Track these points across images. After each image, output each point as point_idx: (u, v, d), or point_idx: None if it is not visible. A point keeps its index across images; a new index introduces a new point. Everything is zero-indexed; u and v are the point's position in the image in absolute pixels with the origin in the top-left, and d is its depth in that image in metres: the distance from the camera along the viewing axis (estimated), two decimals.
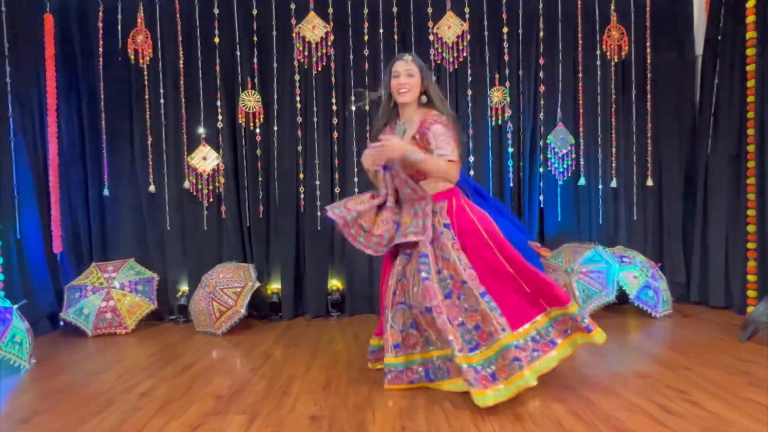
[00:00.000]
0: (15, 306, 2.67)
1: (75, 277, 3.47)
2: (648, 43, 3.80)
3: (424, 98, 2.22)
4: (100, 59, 3.67)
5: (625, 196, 3.84)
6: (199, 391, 2.24)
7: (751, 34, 3.25)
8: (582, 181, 3.79)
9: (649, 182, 3.83)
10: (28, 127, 3.41)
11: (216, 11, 3.70)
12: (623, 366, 2.47)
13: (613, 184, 3.81)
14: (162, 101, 3.70)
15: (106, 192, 3.69)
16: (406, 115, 2.24)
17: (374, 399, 2.09)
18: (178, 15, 3.70)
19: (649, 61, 3.81)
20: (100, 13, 3.67)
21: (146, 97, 3.70)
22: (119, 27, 3.68)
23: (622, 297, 3.40)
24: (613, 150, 3.82)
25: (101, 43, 3.67)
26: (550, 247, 3.69)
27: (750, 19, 3.25)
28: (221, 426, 1.87)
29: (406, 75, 2.16)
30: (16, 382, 2.46)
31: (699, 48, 3.79)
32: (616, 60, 3.79)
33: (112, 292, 3.33)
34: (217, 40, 3.69)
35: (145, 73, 3.69)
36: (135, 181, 3.72)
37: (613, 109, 3.82)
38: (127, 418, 1.96)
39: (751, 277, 3.28)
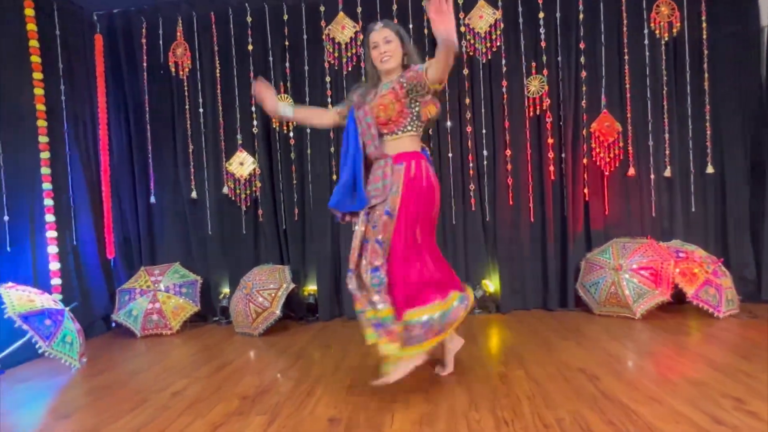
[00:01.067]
0: (67, 308, 2.85)
1: (126, 281, 3.67)
2: (703, 18, 3.47)
3: (406, 60, 2.15)
4: (144, 73, 3.87)
5: (681, 186, 3.53)
6: (227, 391, 2.28)
7: None
8: (631, 171, 3.52)
9: (710, 169, 3.50)
10: (81, 140, 3.65)
11: (249, 19, 3.79)
12: (674, 372, 2.25)
13: (667, 173, 3.51)
14: (201, 110, 3.84)
15: (152, 199, 3.88)
16: (387, 78, 2.16)
17: (396, 402, 2.03)
18: (213, 26, 3.83)
19: (705, 36, 3.47)
20: (144, 30, 3.87)
21: (186, 107, 3.85)
22: (161, 42, 3.87)
23: (679, 296, 3.12)
24: (667, 136, 3.52)
25: (145, 57, 3.87)
26: (596, 244, 3.49)
27: None
28: (241, 426, 1.88)
29: (384, 42, 2.12)
30: (66, 379, 2.62)
31: (765, 18, 3.41)
32: (666, 38, 3.50)
33: (158, 295, 3.48)
34: (250, 47, 3.78)
35: (185, 84, 3.85)
36: (178, 188, 3.88)
37: (665, 92, 3.52)
38: (156, 416, 2.03)
39: None
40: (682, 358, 2.47)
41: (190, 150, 3.85)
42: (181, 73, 3.85)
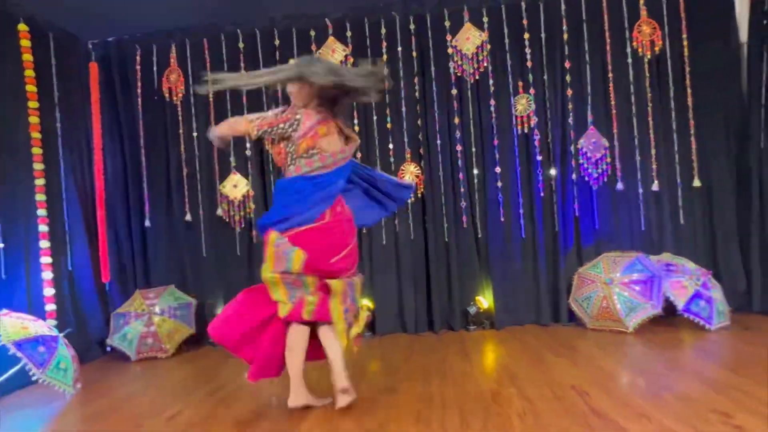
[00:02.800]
0: (61, 334, 2.86)
1: (121, 304, 3.68)
2: (684, 35, 3.56)
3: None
4: (139, 99, 3.94)
5: (669, 199, 3.57)
6: (221, 415, 2.29)
7: None
8: (619, 186, 3.58)
9: (696, 182, 3.55)
10: (76, 166, 3.69)
11: (241, 45, 3.87)
12: (663, 387, 2.27)
13: (655, 187, 3.56)
14: (195, 134, 3.90)
15: (147, 223, 3.92)
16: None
17: (389, 423, 2.04)
18: (206, 52, 3.90)
19: (686, 54, 3.55)
20: (138, 57, 3.95)
21: (180, 131, 3.91)
22: (155, 68, 3.94)
23: (671, 309, 3.15)
24: (653, 151, 3.58)
25: (139, 84, 3.95)
26: (587, 258, 3.53)
27: None
28: None
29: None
30: (61, 405, 2.62)
31: (743, 35, 3.50)
32: (649, 56, 3.58)
33: (153, 318, 3.50)
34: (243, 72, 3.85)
35: (179, 109, 3.91)
36: (172, 212, 3.92)
37: (649, 108, 3.59)
38: None
39: None
40: (673, 372, 2.49)
41: (184, 173, 3.90)
42: (174, 98, 3.92)
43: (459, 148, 3.69)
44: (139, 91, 3.95)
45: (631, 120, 3.59)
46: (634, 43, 3.58)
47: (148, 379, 3.01)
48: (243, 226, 3.83)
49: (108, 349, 3.61)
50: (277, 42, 3.85)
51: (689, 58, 3.55)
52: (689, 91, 3.55)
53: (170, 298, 3.63)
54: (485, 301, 3.64)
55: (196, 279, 3.86)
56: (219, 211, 3.83)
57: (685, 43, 3.56)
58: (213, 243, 3.85)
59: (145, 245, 3.93)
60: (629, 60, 3.59)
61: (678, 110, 3.57)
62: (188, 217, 3.87)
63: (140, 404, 2.54)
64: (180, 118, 3.92)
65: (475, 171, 3.68)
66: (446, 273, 3.65)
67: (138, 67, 3.96)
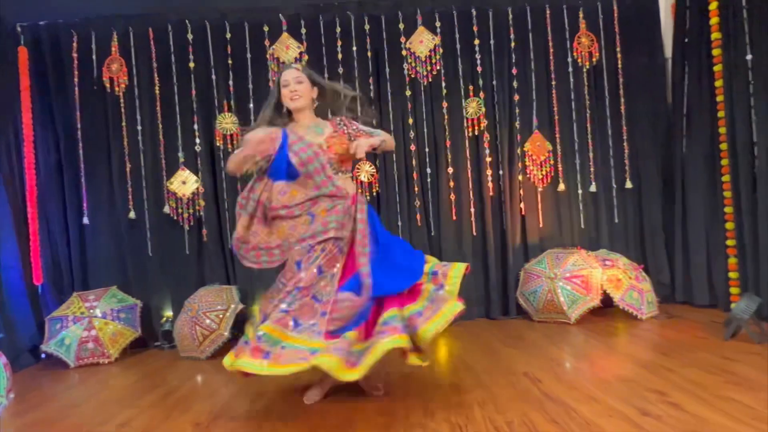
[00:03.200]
0: None
1: (56, 308, 3.44)
2: (618, 49, 3.86)
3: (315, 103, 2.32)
4: (76, 89, 3.69)
5: (605, 200, 3.86)
6: (177, 418, 2.21)
7: (716, 35, 3.31)
8: (561, 187, 3.82)
9: (628, 184, 3.86)
10: (4, 159, 3.40)
11: (190, 36, 3.73)
12: (606, 371, 2.47)
13: (593, 188, 3.84)
14: (139, 128, 3.71)
15: (85, 220, 3.68)
16: (304, 120, 2.28)
17: (354, 417, 2.07)
18: (152, 42, 3.73)
19: (620, 66, 3.86)
20: (75, 44, 3.70)
21: (123, 124, 3.71)
22: (94, 56, 3.71)
23: (607, 300, 3.40)
24: (591, 155, 3.85)
25: (76, 72, 3.70)
26: (533, 255, 3.73)
27: (714, 20, 3.31)
28: None
29: (295, 83, 2.22)
30: None
31: (668, 51, 3.85)
32: (587, 66, 3.85)
33: (94, 321, 3.29)
34: (192, 64, 3.72)
35: (122, 100, 3.71)
36: (114, 209, 3.71)
37: (588, 115, 3.86)
38: None
39: (732, 275, 3.29)
40: (613, 357, 2.71)
41: (128, 168, 3.70)
42: (116, 89, 3.71)
43: (413, 148, 3.78)
44: (75, 80, 3.70)
45: (572, 125, 3.85)
46: (575, 53, 3.84)
47: (92, 386, 2.84)
48: (192, 224, 3.69)
49: (42, 356, 3.35)
50: (228, 35, 3.75)
51: (623, 70, 3.85)
52: (622, 100, 3.86)
53: (112, 300, 3.44)
54: None
55: (141, 280, 3.67)
56: (166, 209, 3.66)
57: (619, 56, 3.86)
58: (159, 242, 3.68)
59: (83, 244, 3.69)
60: (570, 69, 3.85)
61: (612, 117, 3.87)
62: (132, 215, 3.67)
63: (85, 412, 2.39)
64: (123, 110, 3.71)
65: (428, 170, 3.78)
66: None
67: (75, 55, 3.71)
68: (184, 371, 2.99)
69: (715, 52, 3.32)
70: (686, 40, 3.61)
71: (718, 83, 3.32)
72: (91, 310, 3.33)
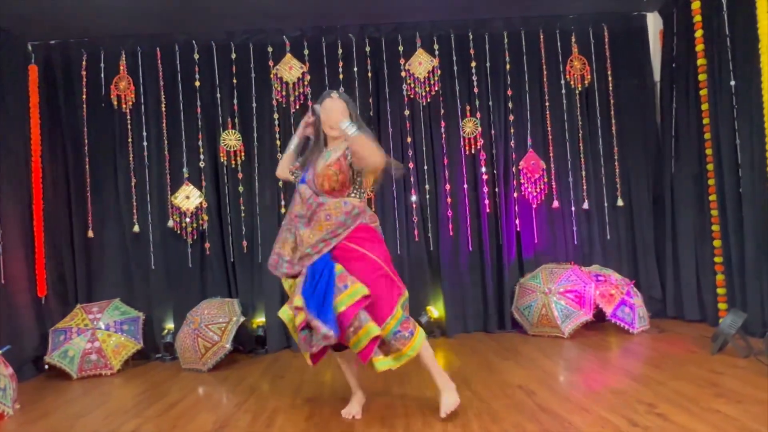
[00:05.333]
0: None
1: (60, 320, 3.49)
2: (609, 72, 4.01)
3: None
4: (84, 106, 3.80)
5: (598, 217, 3.98)
6: (183, 428, 2.27)
7: (701, 62, 3.46)
8: (555, 204, 3.93)
9: (620, 202, 3.98)
10: (13, 173, 3.48)
11: (196, 56, 3.86)
12: (599, 383, 2.55)
13: (585, 205, 3.96)
14: (145, 143, 3.81)
15: (90, 233, 3.75)
16: (333, 144, 2.30)
17: (355, 429, 2.13)
18: (159, 61, 3.85)
19: (611, 88, 4.01)
20: (84, 62, 3.82)
21: (129, 140, 3.81)
22: (102, 75, 3.83)
23: (600, 315, 3.50)
24: (583, 173, 3.98)
25: (85, 90, 3.81)
26: (528, 270, 3.83)
27: (699, 47, 3.47)
28: None
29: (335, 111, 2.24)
30: None
31: (657, 75, 4.01)
32: (579, 89, 3.99)
33: (97, 333, 3.35)
34: (197, 83, 3.84)
35: (129, 117, 3.82)
36: (119, 222, 3.79)
37: (580, 135, 3.99)
38: None
39: (720, 290, 3.40)
40: (605, 370, 2.79)
41: (133, 183, 3.80)
42: (123, 106, 3.82)
43: (411, 165, 3.89)
44: (84, 97, 3.81)
45: (565, 145, 3.98)
46: (567, 76, 3.99)
47: (96, 397, 2.88)
48: (195, 238, 3.77)
49: (45, 367, 3.39)
50: (233, 56, 3.88)
51: (613, 92, 4.01)
52: (613, 121, 4.00)
53: (116, 312, 3.50)
54: (436, 310, 3.83)
55: (144, 293, 3.73)
56: (170, 223, 3.75)
57: (609, 79, 4.01)
58: (163, 255, 3.76)
59: (88, 257, 3.76)
60: (563, 91, 3.99)
61: (604, 138, 4.01)
62: (136, 228, 3.75)
63: (92, 422, 2.44)
64: (129, 126, 3.82)
65: (427, 187, 3.89)
66: None
67: (84, 72, 3.82)
68: (186, 383, 3.04)
69: (701, 77, 3.47)
70: (674, 65, 3.77)
71: (705, 107, 3.47)
72: (95, 322, 3.39)
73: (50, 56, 3.82)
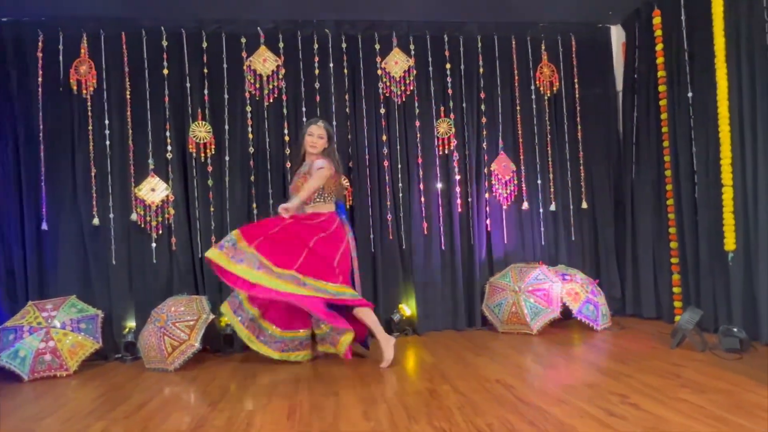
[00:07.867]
0: None
1: (9, 318, 3.24)
2: (575, 80, 4.18)
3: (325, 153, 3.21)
4: (39, 89, 3.55)
5: (564, 219, 4.13)
6: (155, 429, 2.16)
7: (661, 74, 3.67)
8: (525, 205, 4.05)
9: (584, 205, 4.15)
10: None
11: (164, 43, 3.70)
12: (572, 376, 2.64)
13: (552, 207, 4.10)
14: (107, 132, 3.61)
15: (44, 226, 3.51)
16: (308, 159, 3.23)
17: (339, 424, 2.11)
18: (124, 46, 3.67)
19: (577, 95, 4.18)
20: (40, 43, 3.57)
21: (90, 127, 3.60)
22: (61, 57, 3.59)
23: (566, 312, 3.62)
24: (551, 176, 4.12)
25: (41, 72, 3.56)
26: (498, 269, 3.92)
27: (659, 60, 3.68)
28: None
29: (317, 136, 3.19)
30: None
31: (619, 84, 4.21)
32: (548, 94, 4.14)
33: (52, 332, 3.13)
34: (166, 71, 3.68)
35: (89, 103, 3.60)
36: (76, 214, 3.56)
37: (548, 139, 4.13)
38: None
39: (676, 289, 3.61)
40: (575, 365, 2.90)
41: (93, 173, 3.58)
42: (84, 91, 3.60)
43: (386, 164, 3.90)
44: (39, 80, 3.56)
45: (534, 148, 4.10)
46: (537, 82, 4.13)
47: (53, 399, 2.69)
48: (161, 232, 3.61)
49: None
50: (204, 44, 3.75)
51: (580, 100, 4.17)
52: (579, 127, 4.17)
53: (72, 309, 3.28)
54: (408, 308, 3.85)
55: (103, 289, 3.52)
56: (133, 216, 3.56)
57: (576, 86, 4.18)
58: (125, 250, 3.57)
59: (40, 251, 3.50)
60: (533, 96, 4.12)
61: (570, 143, 4.17)
62: (95, 221, 3.54)
63: (53, 425, 2.28)
64: (89, 113, 3.61)
65: (400, 185, 3.91)
66: (372, 283, 3.79)
67: (40, 54, 3.57)
68: (152, 383, 2.90)
69: (661, 88, 3.68)
70: (635, 75, 3.98)
71: (664, 116, 3.68)
72: (49, 320, 3.17)
73: (1, 35, 3.55)
